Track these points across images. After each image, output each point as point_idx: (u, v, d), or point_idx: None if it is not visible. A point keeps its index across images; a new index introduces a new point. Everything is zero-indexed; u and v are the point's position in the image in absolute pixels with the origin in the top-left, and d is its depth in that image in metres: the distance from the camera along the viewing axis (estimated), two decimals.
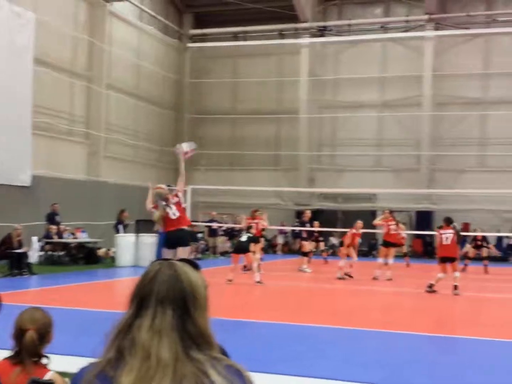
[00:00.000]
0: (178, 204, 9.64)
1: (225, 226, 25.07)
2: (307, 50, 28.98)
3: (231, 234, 26.20)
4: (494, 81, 27.04)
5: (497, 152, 26.52)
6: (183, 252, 9.24)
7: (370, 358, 6.66)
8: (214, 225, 24.37)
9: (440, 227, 13.83)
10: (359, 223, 16.83)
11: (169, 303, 1.46)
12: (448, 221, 13.57)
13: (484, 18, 27.51)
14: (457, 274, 13.22)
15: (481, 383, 5.63)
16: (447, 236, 13.14)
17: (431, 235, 25.39)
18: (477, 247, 20.04)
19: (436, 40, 27.44)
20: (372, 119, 28.47)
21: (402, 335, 8.23)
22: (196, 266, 1.60)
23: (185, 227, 9.89)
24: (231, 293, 13.23)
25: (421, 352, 7.15)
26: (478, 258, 19.74)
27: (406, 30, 27.89)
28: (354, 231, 16.65)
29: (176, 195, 9.78)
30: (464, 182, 26.12)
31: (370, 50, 28.57)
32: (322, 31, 28.98)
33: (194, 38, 30.51)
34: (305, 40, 28.98)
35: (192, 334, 1.46)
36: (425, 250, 26.38)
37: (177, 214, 9.54)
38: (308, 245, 18.77)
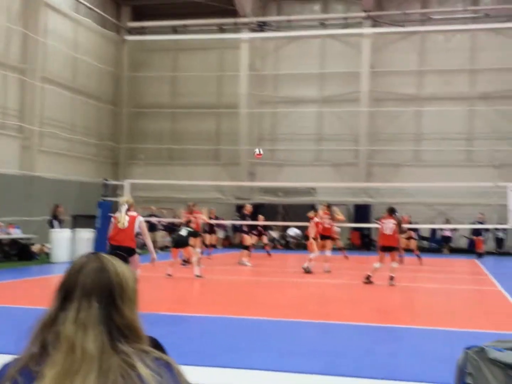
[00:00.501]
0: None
1: (164, 220, 24.82)
2: (247, 45, 29.00)
3: (171, 228, 26.01)
4: (428, 78, 27.85)
5: (431, 147, 27.33)
6: None
7: (308, 349, 6.73)
8: (154, 219, 24.08)
9: (382, 217, 14.13)
10: (322, 209, 17.05)
11: (95, 295, 1.44)
12: (391, 211, 13.87)
13: (419, 16, 28.23)
14: (395, 264, 13.56)
15: (414, 370, 5.77)
16: (388, 226, 13.44)
17: (369, 228, 26.03)
18: (408, 238, 20.53)
19: (373, 37, 27.98)
20: (312, 114, 28.79)
21: (339, 326, 8.36)
22: (125, 259, 1.56)
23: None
24: (171, 287, 13.13)
25: (357, 341, 7.27)
26: (410, 250, 20.22)
27: (344, 27, 28.32)
28: (317, 219, 16.69)
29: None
30: (400, 176, 26.81)
31: (309, 46, 28.87)
32: (261, 27, 29.07)
33: (133, 31, 29.96)
34: (245, 35, 29.00)
35: (119, 327, 1.44)
36: (363, 242, 26.98)
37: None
38: (248, 239, 18.82)
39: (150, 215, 24.19)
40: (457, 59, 27.25)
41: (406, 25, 27.62)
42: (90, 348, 1.37)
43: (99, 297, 1.43)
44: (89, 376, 1.35)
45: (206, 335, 7.45)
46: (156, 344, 1.67)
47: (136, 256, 9.87)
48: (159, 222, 24.60)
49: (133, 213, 9.83)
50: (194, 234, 15.10)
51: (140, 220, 9.88)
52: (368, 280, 13.50)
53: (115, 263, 1.50)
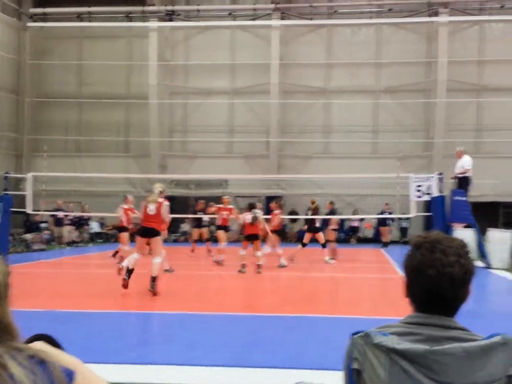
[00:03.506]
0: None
1: (72, 215, 23.97)
2: (155, 34, 28.45)
3: (79, 223, 25.22)
4: (336, 71, 28.49)
5: (339, 139, 28.00)
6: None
7: (215, 341, 6.66)
8: (60, 214, 23.22)
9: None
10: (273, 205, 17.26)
11: None
12: (250, 206, 14.87)
13: (326, 9, 28.79)
14: (259, 253, 14.41)
15: (316, 358, 5.83)
16: (248, 217, 14.43)
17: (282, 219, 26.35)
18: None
19: (282, 30, 28.27)
20: (223, 105, 28.75)
21: (248, 317, 8.35)
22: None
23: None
24: (74, 282, 12.64)
25: (267, 332, 7.28)
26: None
27: (254, 18, 28.43)
28: (277, 211, 16.74)
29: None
30: (310, 167, 27.33)
31: (219, 36, 28.77)
32: (170, 16, 28.65)
33: (35, 18, 28.68)
34: (153, 24, 28.45)
35: None
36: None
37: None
38: None
39: (56, 210, 23.33)
40: (363, 52, 28.07)
41: (314, 18, 28.10)
42: None
43: None
44: None
45: (111, 331, 7.21)
46: (51, 342, 1.57)
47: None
48: (66, 216, 23.73)
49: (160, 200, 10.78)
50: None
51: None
52: (243, 270, 14.13)
53: None
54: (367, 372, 1.74)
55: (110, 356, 5.84)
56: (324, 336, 6.92)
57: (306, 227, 17.51)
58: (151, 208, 10.65)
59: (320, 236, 17.09)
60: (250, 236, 14.52)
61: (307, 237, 17.18)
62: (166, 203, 10.92)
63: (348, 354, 1.78)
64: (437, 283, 1.74)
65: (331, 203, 18.36)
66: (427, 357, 1.68)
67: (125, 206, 15.79)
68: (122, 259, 15.66)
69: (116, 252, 16.49)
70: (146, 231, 10.61)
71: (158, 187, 10.94)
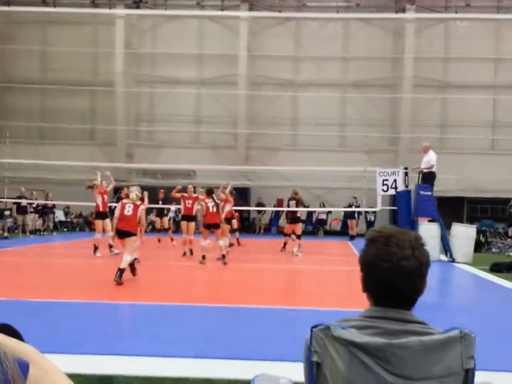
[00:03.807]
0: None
1: (36, 202, 23.53)
2: (122, 21, 28.05)
3: (43, 211, 24.80)
4: (304, 64, 28.56)
5: (307, 132, 28.11)
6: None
7: (178, 333, 6.64)
8: (24, 201, 22.77)
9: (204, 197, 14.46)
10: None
11: None
12: (208, 192, 14.43)
13: (295, 3, 28.80)
14: (222, 242, 14.18)
15: (278, 350, 5.86)
16: (212, 205, 14.06)
17: (248, 211, 26.42)
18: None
19: (250, 21, 28.17)
20: (190, 95, 28.56)
21: (211, 308, 8.35)
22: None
23: None
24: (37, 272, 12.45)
25: (228, 324, 7.29)
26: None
27: (222, 9, 28.24)
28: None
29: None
30: (278, 160, 27.38)
31: (187, 26, 28.52)
32: (137, 3, 28.28)
33: None
34: (120, 11, 28.04)
35: None
36: (242, 225, 27.24)
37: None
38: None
39: (19, 197, 22.88)
40: (331, 46, 28.19)
41: (282, 10, 28.07)
42: None
43: None
44: None
45: (71, 322, 7.13)
46: (11, 331, 1.55)
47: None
48: (29, 204, 23.28)
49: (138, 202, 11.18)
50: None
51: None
52: (204, 260, 13.90)
53: None
54: (327, 365, 1.75)
55: (72, 347, 5.78)
56: (288, 328, 6.96)
57: (285, 217, 17.58)
58: (128, 209, 10.96)
59: (299, 226, 17.19)
60: (211, 225, 14.09)
61: (288, 228, 17.26)
62: (143, 206, 11.33)
63: (307, 346, 1.79)
64: (392, 277, 1.75)
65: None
66: (385, 350, 1.70)
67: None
68: (110, 247, 15.57)
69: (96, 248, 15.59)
70: (122, 233, 10.92)
71: (135, 191, 11.22)
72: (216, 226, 14.12)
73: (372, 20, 28.18)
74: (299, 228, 17.23)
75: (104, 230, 15.69)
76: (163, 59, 28.62)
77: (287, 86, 28.49)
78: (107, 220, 15.55)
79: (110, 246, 15.68)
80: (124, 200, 11.37)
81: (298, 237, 17.11)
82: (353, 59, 28.23)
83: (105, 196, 15.68)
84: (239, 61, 27.83)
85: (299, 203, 17.17)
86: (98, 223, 15.56)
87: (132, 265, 11.04)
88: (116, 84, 27.93)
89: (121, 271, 10.34)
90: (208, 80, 28.54)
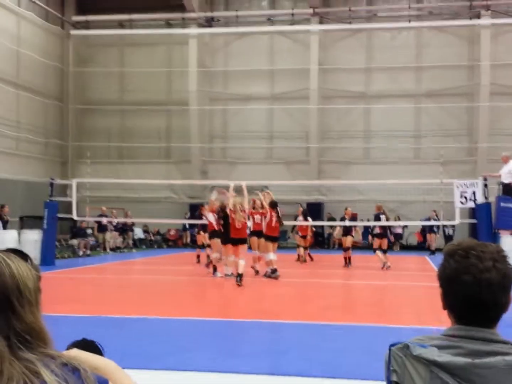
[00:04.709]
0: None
1: (115, 221, 24.26)
2: (195, 41, 28.75)
3: (123, 229, 25.57)
4: (376, 75, 28.21)
5: (380, 144, 27.70)
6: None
7: (251, 349, 6.66)
8: (104, 220, 23.56)
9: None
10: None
11: None
12: (272, 205, 14.62)
13: (365, 14, 28.59)
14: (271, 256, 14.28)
15: (359, 368, 5.75)
16: (275, 219, 14.47)
17: (322, 226, 26.22)
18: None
19: (320, 34, 28.18)
20: (262, 111, 28.79)
21: (285, 325, 8.31)
22: (24, 256, 1.44)
23: None
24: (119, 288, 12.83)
25: (304, 340, 7.23)
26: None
27: (292, 23, 28.41)
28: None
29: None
30: (350, 173, 27.09)
31: (258, 42, 28.86)
32: (209, 22, 28.91)
33: (77, 25, 29.31)
34: (193, 30, 28.74)
35: (19, 333, 1.34)
36: (316, 240, 27.04)
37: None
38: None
39: (100, 215, 23.71)
40: (403, 56, 27.73)
41: (353, 22, 27.92)
42: None
43: None
44: None
45: (149, 336, 7.29)
46: (93, 346, 1.62)
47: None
48: (109, 222, 24.07)
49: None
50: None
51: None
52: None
53: (11, 264, 1.38)
54: None
55: (148, 362, 5.90)
56: (365, 345, 6.83)
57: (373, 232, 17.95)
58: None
59: (385, 242, 17.47)
60: (272, 238, 14.43)
61: (377, 242, 17.47)
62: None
63: (386, 365, 1.75)
64: (475, 290, 1.69)
65: (347, 209, 18.26)
66: (468, 370, 1.64)
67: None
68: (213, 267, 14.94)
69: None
70: (236, 241, 13.03)
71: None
72: (276, 239, 14.56)
73: (446, 28, 27.56)
74: (385, 242, 17.45)
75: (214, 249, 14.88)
76: (235, 76, 29.06)
77: (359, 98, 28.24)
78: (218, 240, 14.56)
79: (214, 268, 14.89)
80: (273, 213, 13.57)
81: (385, 251, 17.51)
82: (426, 68, 27.65)
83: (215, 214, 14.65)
84: (310, 75, 27.86)
85: (386, 216, 17.20)
86: (214, 242, 14.66)
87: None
88: (190, 102, 28.57)
89: (240, 275, 12.37)
90: (279, 95, 28.71)
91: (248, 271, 15.79)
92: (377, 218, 17.67)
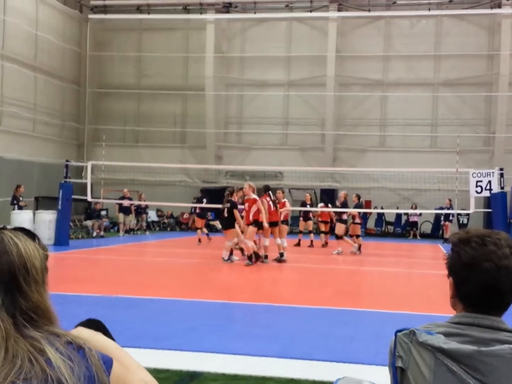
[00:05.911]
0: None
1: (132, 203, 24.22)
2: (212, 26, 28.65)
3: (137, 211, 25.65)
4: (393, 63, 27.97)
5: (396, 133, 27.53)
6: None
7: (260, 331, 6.71)
8: (126, 202, 23.58)
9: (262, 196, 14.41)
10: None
11: None
12: (266, 189, 14.52)
13: (384, 1, 28.27)
14: (279, 241, 14.54)
15: (368, 353, 5.78)
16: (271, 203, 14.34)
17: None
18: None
19: (339, 22, 27.94)
20: (278, 97, 28.69)
21: (299, 309, 8.36)
22: (32, 235, 1.46)
23: None
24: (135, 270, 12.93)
25: (315, 325, 7.27)
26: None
27: (310, 10, 28.19)
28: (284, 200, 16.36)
29: None
30: (365, 161, 26.98)
31: (275, 28, 28.69)
32: (227, 8, 28.76)
33: (95, 10, 29.31)
34: (210, 16, 28.64)
35: (25, 311, 1.36)
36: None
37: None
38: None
39: (122, 198, 23.68)
40: (422, 44, 27.44)
41: (372, 9, 27.64)
42: None
43: (1, 283, 1.34)
44: None
45: (161, 317, 7.36)
46: (98, 326, 1.62)
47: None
48: (131, 205, 24.12)
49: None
50: None
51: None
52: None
53: (19, 243, 1.39)
54: (411, 371, 1.72)
55: (161, 342, 5.96)
56: (374, 331, 6.86)
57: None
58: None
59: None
60: (272, 223, 14.33)
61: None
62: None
63: (391, 351, 1.76)
64: (495, 276, 1.68)
65: (357, 196, 18.10)
66: (474, 357, 1.65)
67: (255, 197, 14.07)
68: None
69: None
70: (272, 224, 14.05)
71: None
72: (276, 224, 14.53)
73: (466, 17, 27.19)
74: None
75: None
76: (252, 62, 28.95)
77: (376, 86, 28.03)
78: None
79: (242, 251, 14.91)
80: (268, 198, 13.77)
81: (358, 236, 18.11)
82: (445, 57, 27.35)
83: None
84: (327, 62, 27.68)
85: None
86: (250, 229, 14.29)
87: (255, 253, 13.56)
88: (206, 88, 28.54)
89: (266, 256, 13.87)
90: (296, 82, 28.58)
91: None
92: (358, 207, 18.22)
